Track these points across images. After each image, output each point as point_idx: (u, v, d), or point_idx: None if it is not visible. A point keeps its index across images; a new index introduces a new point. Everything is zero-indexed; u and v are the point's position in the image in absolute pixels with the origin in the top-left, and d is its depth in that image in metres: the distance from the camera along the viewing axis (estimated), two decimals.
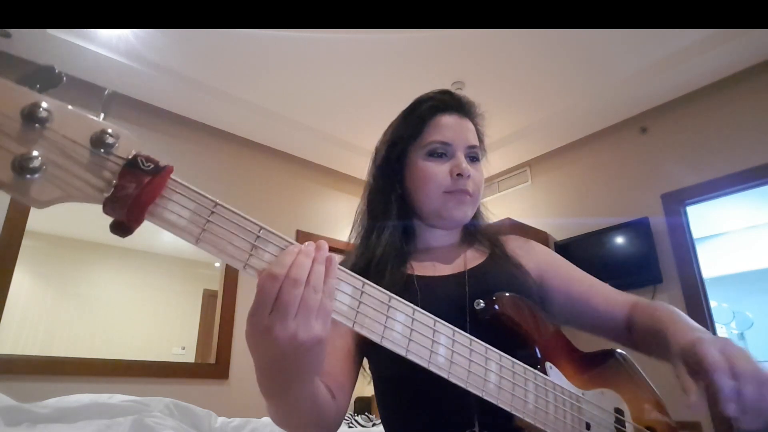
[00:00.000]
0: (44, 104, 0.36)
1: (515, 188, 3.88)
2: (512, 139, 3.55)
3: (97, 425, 1.25)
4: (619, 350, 0.80)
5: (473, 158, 0.82)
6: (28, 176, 0.35)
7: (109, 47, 2.55)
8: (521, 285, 0.78)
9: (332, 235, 3.67)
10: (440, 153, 0.80)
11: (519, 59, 2.75)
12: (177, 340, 5.10)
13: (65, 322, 4.66)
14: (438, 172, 0.78)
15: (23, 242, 2.38)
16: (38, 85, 0.37)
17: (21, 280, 4.31)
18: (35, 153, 0.35)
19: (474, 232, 0.89)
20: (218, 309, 3.00)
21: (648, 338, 0.72)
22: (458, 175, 0.77)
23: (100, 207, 0.41)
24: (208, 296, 5.23)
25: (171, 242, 4.91)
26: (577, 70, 2.85)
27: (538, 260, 0.87)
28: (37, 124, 0.36)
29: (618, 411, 0.72)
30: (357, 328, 0.50)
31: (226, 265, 3.24)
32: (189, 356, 5.01)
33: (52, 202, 0.37)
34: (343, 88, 3.01)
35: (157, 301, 5.19)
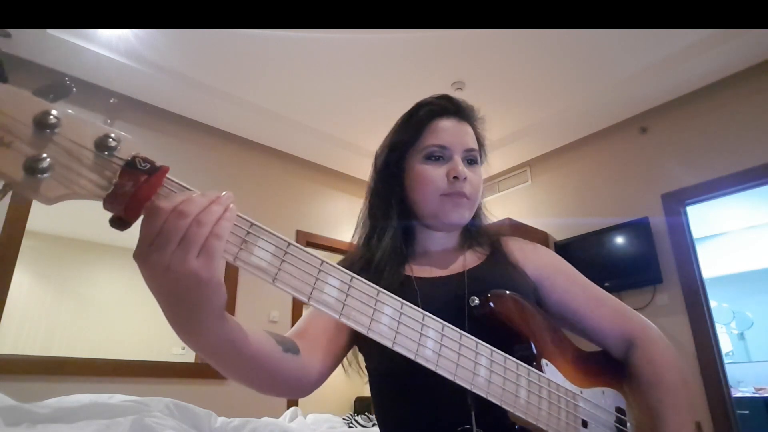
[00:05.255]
0: (54, 112, 0.41)
1: (515, 188, 3.88)
2: (512, 139, 3.55)
3: (97, 425, 1.25)
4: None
5: (471, 161, 0.83)
6: (38, 176, 0.39)
7: (109, 47, 2.55)
8: (517, 287, 0.77)
9: (332, 235, 3.67)
10: (437, 156, 0.80)
11: (519, 59, 2.75)
12: (177, 340, 5.04)
13: (65, 322, 4.66)
14: (435, 175, 0.79)
15: (23, 242, 2.38)
16: (51, 95, 0.42)
17: (21, 280, 4.30)
18: (44, 155, 0.40)
19: (473, 234, 0.89)
20: None
21: (641, 390, 0.74)
22: (455, 177, 0.78)
23: (99, 208, 0.44)
24: None
25: None
26: (577, 70, 2.85)
27: (538, 265, 0.85)
28: (47, 130, 0.40)
29: (619, 411, 0.72)
30: (344, 320, 0.52)
31: (225, 263, 3.23)
32: (189, 356, 5.00)
33: (59, 199, 0.41)
34: (343, 88, 3.01)
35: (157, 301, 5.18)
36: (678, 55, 2.70)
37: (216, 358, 0.55)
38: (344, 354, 0.76)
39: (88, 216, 4.51)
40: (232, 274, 3.06)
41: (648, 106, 3.15)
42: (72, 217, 4.48)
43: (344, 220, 3.81)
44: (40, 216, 2.61)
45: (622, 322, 0.79)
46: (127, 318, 4.94)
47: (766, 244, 4.62)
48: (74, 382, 2.36)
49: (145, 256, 0.43)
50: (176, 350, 5.07)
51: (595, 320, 0.79)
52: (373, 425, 2.37)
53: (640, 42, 2.60)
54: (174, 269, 0.43)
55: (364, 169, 4.18)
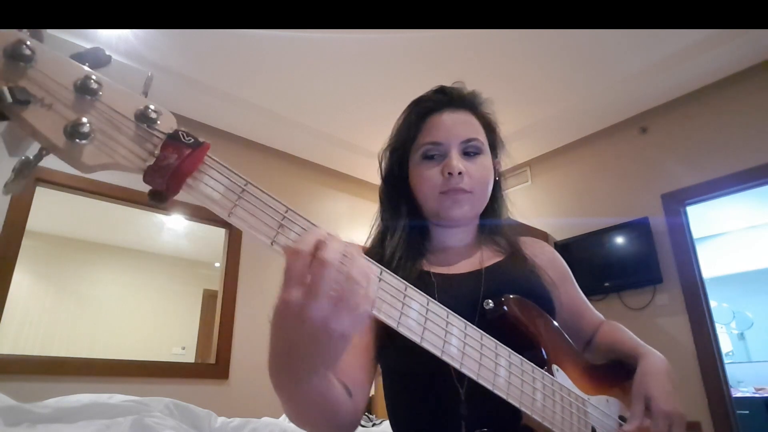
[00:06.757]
0: (94, 77, 0.40)
1: (515, 188, 3.88)
2: (512, 139, 3.49)
3: (97, 425, 1.25)
4: (623, 362, 0.80)
5: (473, 152, 0.81)
6: (78, 141, 0.38)
7: (109, 47, 2.54)
8: (537, 288, 0.78)
9: None
10: (432, 154, 0.80)
11: (519, 59, 2.75)
12: (177, 340, 5.10)
13: (65, 322, 4.66)
14: (431, 174, 0.79)
15: (23, 242, 2.38)
16: (88, 64, 0.41)
17: (21, 280, 4.30)
18: (85, 120, 0.38)
19: (491, 231, 0.88)
20: (218, 309, 3.00)
21: (606, 354, 0.84)
22: (449, 174, 0.77)
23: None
24: (208, 296, 5.23)
25: (171, 242, 4.91)
26: (577, 70, 2.84)
27: (555, 271, 0.87)
28: (88, 96, 0.39)
29: (622, 419, 0.73)
30: (375, 312, 0.50)
31: (226, 265, 3.26)
32: (189, 356, 5.01)
33: (98, 168, 0.40)
34: (343, 88, 3.01)
35: (157, 301, 5.19)
36: (678, 55, 2.70)
37: (304, 407, 0.53)
38: (372, 380, 0.74)
39: (87, 216, 4.51)
40: (232, 274, 3.06)
41: (648, 106, 3.15)
42: (72, 217, 4.48)
43: (344, 220, 3.80)
44: (40, 216, 2.61)
45: (597, 317, 0.92)
46: (127, 318, 4.94)
47: (766, 244, 4.62)
48: (74, 382, 2.36)
49: (299, 305, 0.41)
50: (176, 350, 5.08)
51: (587, 319, 0.90)
52: (373, 425, 2.37)
53: (640, 42, 2.60)
54: (331, 324, 0.42)
55: (364, 169, 4.17)
